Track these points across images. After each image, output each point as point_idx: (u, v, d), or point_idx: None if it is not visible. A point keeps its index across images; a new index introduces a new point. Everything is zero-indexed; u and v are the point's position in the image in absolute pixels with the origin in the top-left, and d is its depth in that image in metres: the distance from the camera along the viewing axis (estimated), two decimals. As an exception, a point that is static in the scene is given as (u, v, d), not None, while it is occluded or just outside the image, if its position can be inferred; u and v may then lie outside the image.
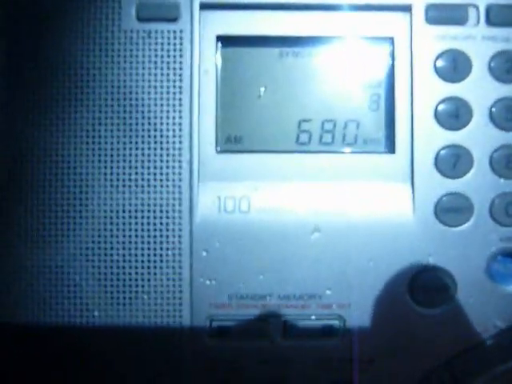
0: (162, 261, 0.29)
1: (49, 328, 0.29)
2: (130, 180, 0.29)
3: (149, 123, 0.29)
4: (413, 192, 0.30)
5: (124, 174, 0.29)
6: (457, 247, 0.30)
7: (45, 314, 0.29)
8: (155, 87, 0.29)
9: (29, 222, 0.29)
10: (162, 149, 0.29)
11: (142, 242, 0.29)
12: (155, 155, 0.29)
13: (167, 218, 0.29)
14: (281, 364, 0.30)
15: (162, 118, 0.29)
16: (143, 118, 0.29)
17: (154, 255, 0.29)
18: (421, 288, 0.30)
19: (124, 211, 0.29)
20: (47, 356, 0.29)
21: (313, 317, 0.30)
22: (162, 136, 0.29)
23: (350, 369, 0.30)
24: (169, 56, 0.30)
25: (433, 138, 0.30)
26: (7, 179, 0.29)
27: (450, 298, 0.30)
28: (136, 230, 0.29)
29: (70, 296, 0.29)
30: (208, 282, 0.29)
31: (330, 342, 0.30)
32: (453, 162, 0.30)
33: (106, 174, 0.29)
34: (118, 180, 0.29)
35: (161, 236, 0.29)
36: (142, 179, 0.29)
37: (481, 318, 0.30)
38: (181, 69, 0.30)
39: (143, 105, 0.29)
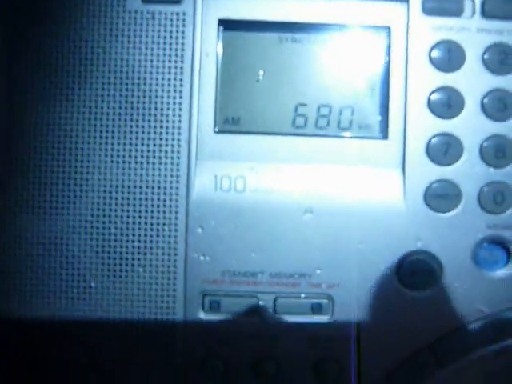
0: (158, 235, 0.30)
1: (47, 297, 0.30)
2: (129, 156, 0.30)
3: (150, 102, 0.30)
4: (404, 177, 0.31)
5: (124, 150, 0.30)
6: (445, 233, 0.31)
7: (43, 283, 0.30)
8: (157, 67, 0.30)
9: (30, 194, 0.30)
10: (161, 127, 0.30)
11: (140, 217, 0.30)
12: (155, 133, 0.30)
13: (164, 194, 0.30)
14: (270, 340, 0.31)
15: (162, 97, 0.30)
16: (144, 96, 0.30)
17: (151, 230, 0.30)
18: (408, 271, 0.30)
19: (123, 186, 0.30)
20: (44, 325, 0.30)
21: (302, 295, 0.31)
22: (162, 115, 0.30)
23: (337, 347, 0.31)
24: (171, 37, 0.30)
25: (425, 126, 0.31)
26: (11, 151, 0.30)
27: (436, 282, 0.31)
28: (134, 205, 0.30)
29: (68, 267, 0.30)
30: (202, 258, 0.30)
31: (318, 320, 0.31)
32: (444, 149, 0.31)
33: (106, 149, 0.30)
34: (118, 156, 0.30)
35: (158, 212, 0.30)
36: (142, 156, 0.30)
37: (465, 302, 0.31)
38: (183, 50, 0.30)
39: (145, 84, 0.30)
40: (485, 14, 0.31)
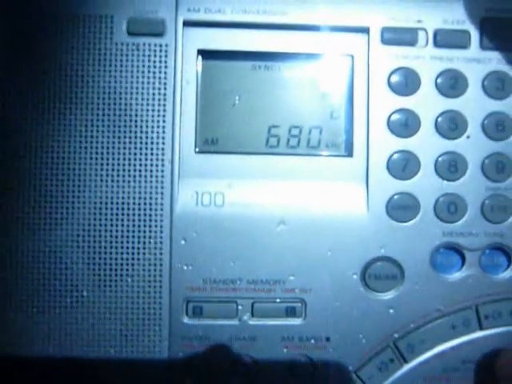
0: (144, 248, 0.33)
1: (41, 306, 0.32)
2: (117, 176, 0.33)
3: (135, 126, 0.33)
4: (367, 191, 0.34)
5: (113, 170, 0.33)
6: (405, 240, 0.34)
7: (38, 294, 0.32)
8: (142, 94, 0.33)
9: (25, 211, 0.32)
10: (146, 148, 0.33)
11: (128, 231, 0.33)
12: (141, 154, 0.33)
13: (150, 209, 0.33)
14: (248, 341, 0.33)
15: (147, 121, 0.33)
16: (131, 121, 0.33)
17: (138, 242, 0.33)
18: (372, 275, 0.33)
19: (112, 203, 0.33)
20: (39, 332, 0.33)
21: (277, 300, 0.33)
22: (147, 137, 0.33)
23: (310, 346, 0.33)
24: (155, 67, 0.33)
25: (386, 144, 0.34)
26: (8, 172, 0.32)
27: (398, 285, 0.34)
28: (122, 220, 0.33)
29: (61, 278, 0.32)
30: (185, 268, 0.33)
31: (292, 322, 0.33)
32: (403, 165, 0.34)
33: (96, 169, 0.33)
34: (107, 175, 0.33)
35: (144, 226, 0.33)
36: (129, 175, 0.33)
37: (425, 302, 0.34)
38: (165, 78, 0.33)
39: (131, 109, 0.33)
40: (437, 43, 0.34)
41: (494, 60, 0.34)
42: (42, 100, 0.33)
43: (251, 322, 0.33)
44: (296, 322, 0.33)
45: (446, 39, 0.34)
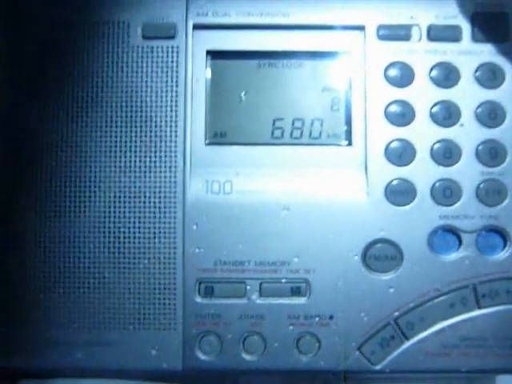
0: (160, 232, 0.35)
1: (67, 287, 0.35)
2: (134, 167, 0.36)
3: (150, 121, 0.36)
4: (367, 177, 0.36)
5: (130, 161, 0.36)
6: (403, 223, 0.35)
7: (64, 275, 0.35)
8: (156, 92, 0.36)
9: (48, 200, 0.35)
10: (160, 142, 0.36)
11: (144, 218, 0.35)
12: (155, 147, 0.36)
13: (164, 197, 0.35)
14: (256, 319, 0.35)
15: (161, 116, 0.36)
16: (146, 116, 0.36)
17: (154, 228, 0.35)
18: (373, 257, 0.35)
19: (129, 192, 0.35)
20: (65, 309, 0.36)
21: (283, 280, 0.35)
22: (161, 131, 0.36)
23: (314, 324, 0.35)
24: (167, 67, 0.36)
25: (383, 133, 0.36)
26: (37, 167, 0.36)
27: (397, 266, 0.35)
28: (139, 208, 0.35)
29: (84, 261, 0.35)
30: (197, 251, 0.35)
31: (297, 301, 0.35)
32: (400, 152, 0.36)
33: (115, 161, 0.36)
34: (125, 167, 0.36)
35: (159, 212, 0.35)
36: (144, 166, 0.36)
37: (424, 282, 0.35)
38: (177, 77, 0.36)
39: (146, 106, 0.36)
40: (430, 37, 0.36)
41: (485, 52, 0.36)
42: (67, 99, 0.36)
43: (259, 301, 0.35)
44: (301, 300, 0.35)
45: (438, 34, 0.36)
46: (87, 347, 0.35)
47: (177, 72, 0.36)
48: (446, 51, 0.36)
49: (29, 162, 0.36)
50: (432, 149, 0.36)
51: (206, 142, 0.36)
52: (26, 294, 0.35)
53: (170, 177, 0.36)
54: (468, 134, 0.36)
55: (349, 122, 0.36)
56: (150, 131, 0.36)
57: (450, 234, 0.36)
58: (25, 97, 0.36)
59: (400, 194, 0.35)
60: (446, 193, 0.35)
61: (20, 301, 0.35)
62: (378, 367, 0.35)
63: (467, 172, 0.36)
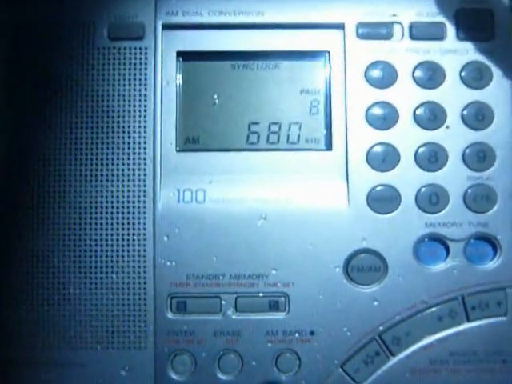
0: (128, 245, 0.33)
1: (27, 305, 0.33)
2: (101, 175, 0.34)
3: (118, 126, 0.34)
4: (348, 184, 0.34)
5: (96, 169, 0.34)
6: (387, 232, 0.34)
7: (27, 291, 0.33)
8: (124, 95, 0.34)
9: (14, 212, 0.34)
10: (129, 148, 0.34)
11: (112, 229, 0.33)
12: (123, 153, 0.34)
13: (133, 207, 0.34)
14: (232, 335, 0.33)
15: (129, 121, 0.34)
16: (113, 121, 0.34)
17: (122, 240, 0.33)
18: (355, 268, 0.33)
19: (96, 202, 0.34)
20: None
21: (260, 294, 0.33)
22: (129, 137, 0.34)
23: (294, 340, 0.34)
24: (135, 69, 0.34)
25: (364, 137, 0.34)
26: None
27: (381, 277, 0.33)
28: (106, 218, 0.34)
29: (49, 276, 0.33)
30: (169, 264, 0.33)
31: (276, 316, 0.33)
32: (382, 157, 0.34)
33: (81, 169, 0.34)
34: (91, 175, 0.34)
35: (128, 223, 0.33)
36: (112, 174, 0.34)
37: (410, 294, 0.33)
38: (146, 80, 0.34)
39: (113, 110, 0.34)
40: (413, 36, 0.35)
41: (470, 50, 0.34)
42: (28, 104, 0.34)
43: (235, 317, 0.33)
44: (279, 316, 0.33)
45: (421, 32, 0.35)
46: (52, 368, 0.33)
47: (146, 74, 0.34)
48: (430, 50, 0.34)
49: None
50: (416, 153, 0.34)
51: (178, 148, 0.35)
52: (-14, 312, 0.33)
53: (139, 185, 0.34)
54: (454, 136, 0.34)
55: (328, 126, 0.35)
56: (118, 137, 0.34)
57: (436, 242, 0.34)
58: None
59: (383, 201, 0.34)
60: (431, 199, 0.34)
61: (-21, 320, 0.33)
62: (362, 386, 0.33)
63: (454, 177, 0.34)
